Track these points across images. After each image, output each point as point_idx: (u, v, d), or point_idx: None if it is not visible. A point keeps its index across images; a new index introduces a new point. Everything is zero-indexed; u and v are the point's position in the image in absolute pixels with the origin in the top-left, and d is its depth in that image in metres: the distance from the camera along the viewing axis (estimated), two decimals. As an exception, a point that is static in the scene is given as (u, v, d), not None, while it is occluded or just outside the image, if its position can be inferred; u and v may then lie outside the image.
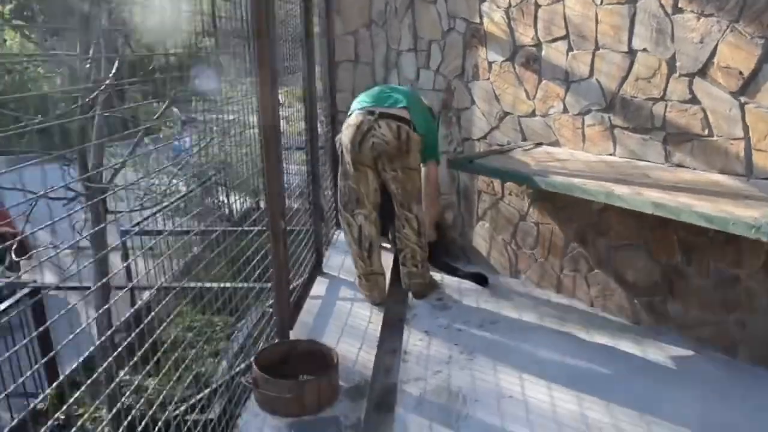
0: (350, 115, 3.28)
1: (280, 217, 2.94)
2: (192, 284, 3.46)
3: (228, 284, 3.45)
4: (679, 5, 2.69)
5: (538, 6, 3.24)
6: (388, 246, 4.28)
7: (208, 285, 3.56)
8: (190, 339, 4.03)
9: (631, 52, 2.89)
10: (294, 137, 4.94)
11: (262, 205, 5.40)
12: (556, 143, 3.35)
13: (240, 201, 6.20)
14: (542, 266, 3.58)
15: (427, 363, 2.93)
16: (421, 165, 3.43)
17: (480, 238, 3.95)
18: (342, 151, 3.31)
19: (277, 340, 3.01)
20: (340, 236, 4.60)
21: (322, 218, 4.00)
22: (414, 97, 3.34)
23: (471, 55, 3.68)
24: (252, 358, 2.64)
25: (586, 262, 3.33)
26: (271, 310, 3.02)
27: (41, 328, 2.18)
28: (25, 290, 3.04)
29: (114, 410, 2.91)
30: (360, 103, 3.28)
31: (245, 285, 3.34)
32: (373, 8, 4.27)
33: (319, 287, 3.74)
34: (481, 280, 3.71)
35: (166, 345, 2.74)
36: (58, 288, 2.86)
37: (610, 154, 3.10)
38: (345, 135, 3.25)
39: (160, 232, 4.05)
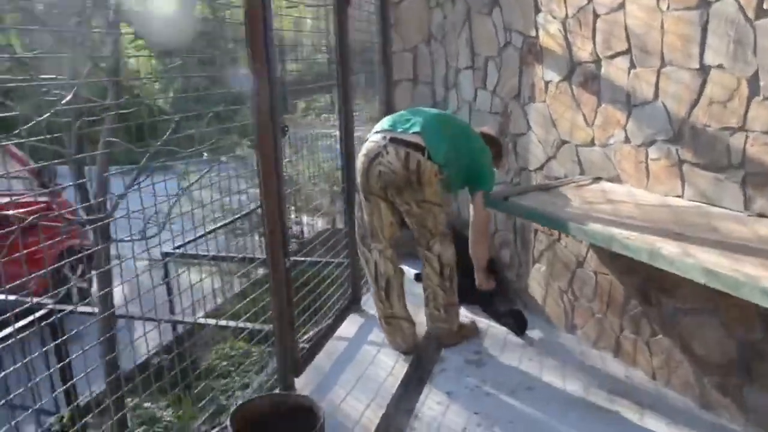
0: (366, 139, 2.93)
1: (283, 255, 2.66)
2: (200, 320, 3.29)
3: (232, 323, 3.25)
4: (765, 6, 2.08)
5: (596, 15, 2.72)
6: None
7: (222, 323, 3.38)
8: (222, 369, 3.89)
9: (703, 69, 2.30)
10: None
11: (339, 225, 5.20)
12: (616, 178, 2.79)
13: (312, 222, 6.07)
14: (600, 323, 3.01)
15: (436, 433, 2.51)
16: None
17: (536, 283, 3.43)
18: (357, 179, 2.98)
19: (277, 390, 2.74)
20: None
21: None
22: (439, 122, 2.89)
23: (527, 74, 3.20)
24: (230, 412, 2.37)
25: (649, 324, 2.72)
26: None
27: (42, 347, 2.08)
28: (40, 312, 2.97)
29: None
30: (377, 127, 2.93)
31: (252, 326, 3.11)
32: (432, 21, 3.91)
33: (350, 326, 3.42)
34: (518, 326, 3.22)
35: (191, 375, 2.57)
36: (71, 312, 2.77)
37: (678, 196, 2.50)
38: (357, 162, 2.93)
39: (198, 256, 3.95)
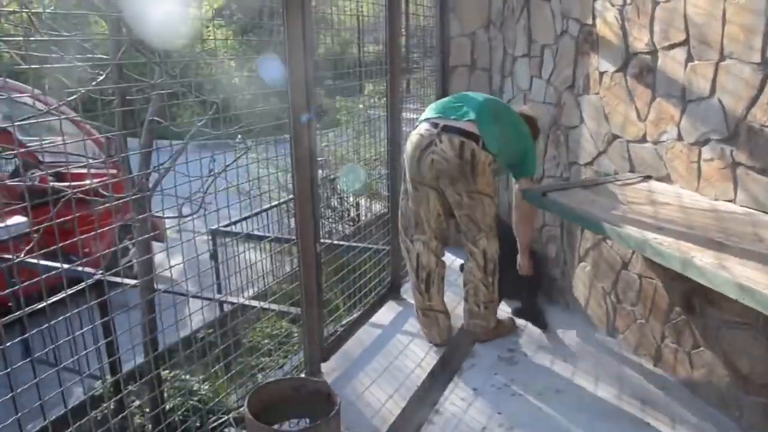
0: (415, 126, 2.86)
1: (313, 239, 2.67)
2: (231, 300, 3.34)
3: (257, 303, 3.28)
4: (836, 0, 1.89)
5: (656, 2, 2.55)
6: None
7: (252, 303, 3.43)
8: (263, 347, 3.96)
9: (766, 64, 2.11)
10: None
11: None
12: (666, 178, 2.62)
13: (367, 204, 6.05)
14: (642, 329, 2.85)
15: (455, 430, 2.46)
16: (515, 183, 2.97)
17: (580, 283, 3.29)
18: (403, 168, 2.92)
19: (302, 373, 2.76)
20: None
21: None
22: (490, 109, 2.78)
23: (582, 64, 3.05)
24: (247, 395, 2.41)
25: (692, 334, 2.56)
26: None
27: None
28: (89, 281, 3.09)
29: (155, 411, 2.89)
30: (426, 114, 2.84)
31: (278, 308, 3.13)
32: (492, 6, 3.79)
33: (387, 313, 3.40)
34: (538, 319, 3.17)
35: (232, 352, 2.66)
36: (117, 284, 2.88)
37: (729, 200, 2.32)
38: (406, 150, 2.86)
39: (246, 235, 4.02)
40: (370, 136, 4.25)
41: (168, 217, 2.74)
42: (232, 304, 3.19)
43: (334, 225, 5.51)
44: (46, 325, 2.05)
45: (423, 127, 2.77)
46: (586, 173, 3.09)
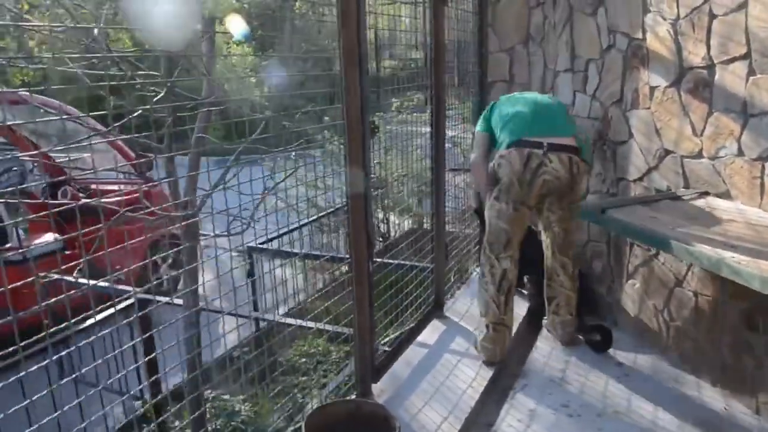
0: (508, 146, 2.79)
1: (367, 257, 2.63)
2: (282, 320, 3.31)
3: (312, 324, 3.24)
4: None
5: (713, 16, 2.52)
6: (524, 293, 3.75)
7: (303, 323, 3.39)
8: (301, 366, 3.92)
9: (836, 79, 2.08)
10: (457, 158, 4.61)
11: (426, 226, 5.15)
12: (725, 194, 2.57)
13: (399, 221, 6.02)
14: (698, 347, 2.79)
15: (513, 452, 2.41)
16: None
17: (629, 299, 3.23)
18: (500, 189, 2.83)
19: (353, 394, 2.72)
20: (476, 275, 4.16)
21: (446, 254, 3.60)
22: (569, 116, 2.97)
23: (631, 78, 3.02)
24: (305, 415, 2.37)
25: (754, 354, 2.50)
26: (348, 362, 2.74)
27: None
28: (128, 301, 3.09)
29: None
30: (517, 132, 2.80)
31: (332, 329, 3.09)
32: (531, 22, 3.78)
33: (431, 333, 3.35)
34: (604, 343, 3.09)
35: (269, 372, 2.62)
36: (156, 302, 2.86)
37: (797, 216, 2.28)
38: (506, 171, 2.77)
39: (288, 254, 3.99)
40: (400, 151, 4.23)
41: (218, 235, 2.73)
42: (286, 324, 3.15)
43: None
44: (84, 341, 2.01)
45: (524, 149, 2.74)
46: (635, 189, 3.05)
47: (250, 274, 3.98)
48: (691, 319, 2.82)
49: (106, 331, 2.16)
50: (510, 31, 3.83)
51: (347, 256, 2.82)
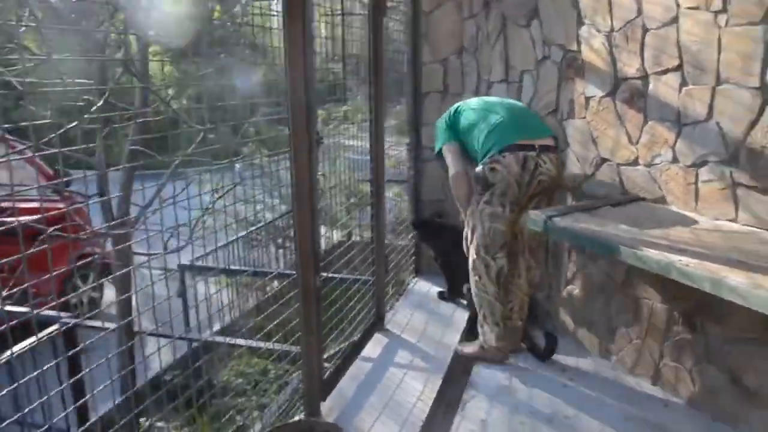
0: (500, 151, 2.79)
1: (314, 272, 2.54)
2: (222, 339, 3.17)
3: (259, 344, 3.12)
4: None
5: (646, 30, 2.62)
6: (464, 302, 3.76)
7: (236, 342, 3.26)
8: (238, 387, 3.75)
9: (765, 88, 2.19)
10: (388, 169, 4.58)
11: (355, 238, 5.07)
12: (661, 200, 2.67)
13: (327, 233, 5.92)
14: (638, 349, 2.88)
15: (469, 463, 2.38)
16: None
17: (568, 306, 3.30)
18: (492, 193, 2.84)
19: (301, 416, 2.62)
20: (415, 286, 4.14)
21: (385, 268, 3.56)
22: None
23: (566, 89, 3.10)
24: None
25: (693, 352, 2.60)
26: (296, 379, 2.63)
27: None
28: (55, 327, 2.85)
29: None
30: (508, 137, 2.82)
31: (281, 348, 2.98)
32: (465, 33, 3.82)
33: (374, 347, 3.29)
34: (548, 350, 3.12)
35: (207, 393, 2.45)
36: (87, 327, 2.65)
37: (730, 220, 2.39)
38: (502, 176, 2.79)
39: (225, 272, 3.83)
40: (328, 162, 4.17)
41: (152, 254, 2.56)
42: (225, 344, 3.00)
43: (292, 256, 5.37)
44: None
45: (520, 152, 2.78)
46: (570, 198, 3.12)
47: (182, 293, 3.79)
48: (630, 321, 2.90)
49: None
50: (444, 41, 3.86)
51: (291, 271, 2.73)
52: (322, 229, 5.89)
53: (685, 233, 2.29)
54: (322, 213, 5.64)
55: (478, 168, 2.86)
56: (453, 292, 3.83)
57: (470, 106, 3.02)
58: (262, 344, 2.86)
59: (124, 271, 2.70)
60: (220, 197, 2.46)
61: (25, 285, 1.84)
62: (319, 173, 3.30)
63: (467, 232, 3.05)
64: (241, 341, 2.92)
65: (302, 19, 2.24)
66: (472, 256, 3.00)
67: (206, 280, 3.77)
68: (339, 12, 3.14)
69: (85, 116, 2.09)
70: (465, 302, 3.74)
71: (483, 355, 3.07)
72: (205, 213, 2.34)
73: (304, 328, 2.52)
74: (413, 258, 4.24)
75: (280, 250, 5.10)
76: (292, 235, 5.34)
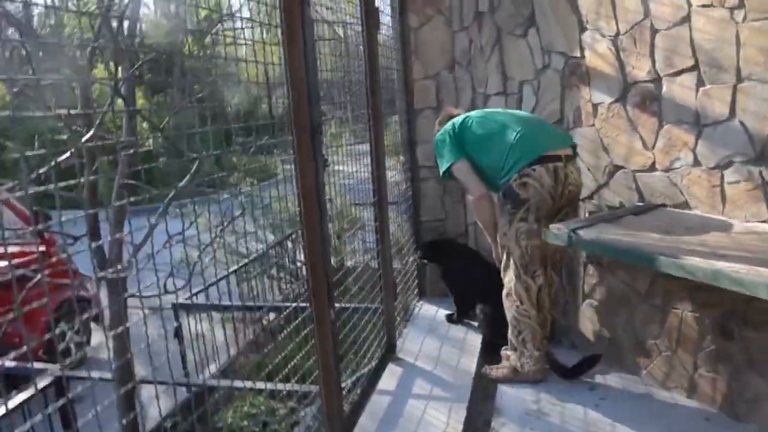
0: (529, 164, 2.65)
1: (328, 304, 2.38)
2: (226, 383, 2.98)
3: (269, 385, 2.93)
4: None
5: (655, 31, 2.54)
6: (475, 324, 3.63)
7: (248, 385, 3.07)
8: (245, 430, 3.54)
9: (791, 84, 2.12)
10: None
11: (348, 264, 4.90)
12: (683, 205, 2.58)
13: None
14: (668, 361, 2.77)
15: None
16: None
17: (587, 320, 3.18)
18: (527, 208, 2.69)
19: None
20: (421, 310, 3.99)
21: (394, 294, 3.41)
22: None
23: (571, 96, 3.01)
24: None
25: (731, 361, 2.49)
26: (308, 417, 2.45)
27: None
28: (48, 380, 2.64)
29: None
30: (534, 150, 2.68)
31: (291, 388, 2.80)
32: (456, 47, 3.72)
33: (389, 379, 3.11)
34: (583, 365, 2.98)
35: None
36: (82, 378, 2.45)
37: (763, 221, 2.30)
38: (535, 190, 2.66)
39: (215, 307, 3.63)
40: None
41: (148, 296, 2.38)
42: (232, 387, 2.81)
43: (289, 285, 5.18)
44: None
45: (549, 164, 2.66)
46: (586, 207, 3.02)
47: (177, 334, 3.58)
48: (658, 333, 2.79)
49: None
50: (434, 57, 3.75)
51: (286, 303, 2.56)
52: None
53: (721, 238, 2.19)
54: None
55: (507, 185, 2.71)
56: (462, 314, 3.69)
57: (475, 120, 2.86)
58: (278, 386, 2.66)
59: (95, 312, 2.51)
60: (223, 228, 2.29)
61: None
62: (327, 197, 3.16)
63: (499, 257, 2.90)
64: (260, 384, 2.73)
65: (302, 39, 2.11)
66: (510, 281, 2.84)
67: (198, 317, 3.58)
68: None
69: (76, 146, 1.91)
70: (476, 324, 3.61)
71: (516, 378, 2.93)
72: (207, 247, 2.15)
73: (322, 367, 2.35)
74: (416, 281, 4.09)
75: (274, 281, 4.91)
76: (285, 264, 5.16)
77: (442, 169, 2.91)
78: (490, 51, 3.45)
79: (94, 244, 2.58)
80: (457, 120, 2.91)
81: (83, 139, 2.01)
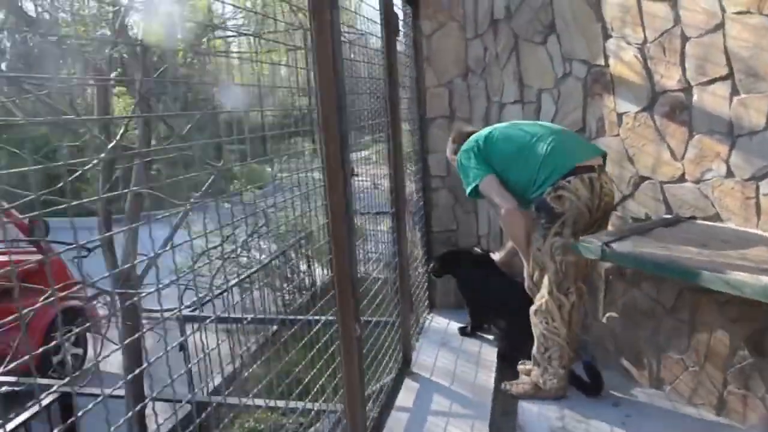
0: (563, 176, 2.58)
1: (354, 320, 2.28)
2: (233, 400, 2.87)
3: (290, 404, 2.82)
4: None
5: (686, 38, 2.48)
6: (490, 337, 3.55)
7: (257, 403, 2.96)
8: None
9: (833, 94, 2.06)
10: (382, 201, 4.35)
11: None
12: (715, 217, 2.52)
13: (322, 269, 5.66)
14: (696, 377, 2.70)
15: None
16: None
17: (608, 335, 3.11)
18: (563, 222, 2.61)
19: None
20: (432, 323, 3.91)
21: (411, 307, 3.32)
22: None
23: (594, 105, 2.94)
24: None
25: (763, 378, 2.42)
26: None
27: None
28: (52, 396, 2.52)
29: None
30: (567, 162, 2.60)
31: (327, 407, 2.69)
32: (469, 54, 3.66)
33: (407, 395, 3.02)
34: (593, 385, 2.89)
35: None
36: (89, 395, 2.33)
37: (801, 234, 2.24)
38: (571, 203, 2.58)
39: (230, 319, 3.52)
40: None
41: (167, 310, 2.27)
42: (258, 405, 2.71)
43: (290, 296, 5.07)
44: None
45: (585, 175, 2.59)
46: (610, 220, 2.95)
47: (183, 347, 3.45)
48: (685, 348, 2.72)
49: None
50: (447, 64, 3.69)
51: (325, 317, 2.46)
52: (317, 268, 5.62)
53: (762, 252, 2.12)
54: (313, 251, 5.37)
55: (541, 199, 2.62)
56: (476, 327, 3.61)
57: (502, 134, 2.77)
58: (299, 404, 2.55)
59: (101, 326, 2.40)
60: (250, 235, 2.20)
61: None
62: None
63: (531, 273, 2.79)
64: (280, 403, 2.62)
65: (331, 43, 2.03)
66: (542, 297, 2.74)
67: (205, 329, 3.46)
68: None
69: (99, 156, 1.81)
70: (491, 337, 3.53)
71: (538, 394, 2.84)
72: (228, 257, 2.05)
73: (347, 385, 2.26)
74: (426, 293, 4.01)
75: (278, 292, 4.81)
76: (289, 275, 5.06)
77: (470, 187, 2.78)
78: (506, 58, 3.38)
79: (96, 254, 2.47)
80: (480, 135, 2.81)
81: (108, 147, 1.90)
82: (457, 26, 3.64)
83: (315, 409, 2.57)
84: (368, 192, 3.52)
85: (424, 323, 3.88)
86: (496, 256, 3.43)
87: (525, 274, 2.82)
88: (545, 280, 2.68)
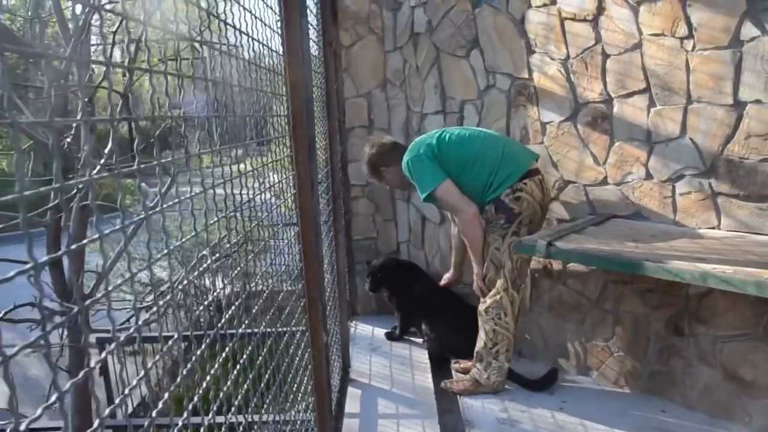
0: (520, 179, 2.78)
1: (323, 329, 2.28)
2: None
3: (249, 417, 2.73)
4: (801, 47, 2.23)
5: (606, 56, 2.76)
6: (418, 341, 3.66)
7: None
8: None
9: (738, 105, 2.40)
10: (282, 211, 4.31)
11: (253, 287, 4.67)
12: (635, 215, 2.81)
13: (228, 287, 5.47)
14: (620, 361, 2.98)
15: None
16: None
17: (535, 328, 3.33)
18: (520, 222, 2.79)
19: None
20: (357, 330, 3.94)
21: (351, 314, 3.34)
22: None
23: (518, 115, 3.16)
24: None
25: (682, 356, 2.74)
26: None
27: None
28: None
29: None
30: (520, 166, 2.81)
31: (299, 419, 2.62)
32: (387, 66, 3.76)
33: (352, 402, 3.05)
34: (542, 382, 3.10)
35: None
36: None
37: (712, 227, 2.57)
38: (528, 203, 2.78)
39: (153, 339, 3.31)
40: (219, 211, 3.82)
41: (121, 327, 2.12)
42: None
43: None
44: None
45: (536, 177, 2.83)
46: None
47: (104, 370, 3.22)
48: (609, 335, 3.00)
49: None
50: (366, 75, 3.76)
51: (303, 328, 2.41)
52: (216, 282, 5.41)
53: (688, 244, 2.41)
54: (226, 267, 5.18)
55: (499, 200, 2.78)
56: (404, 331, 3.71)
57: (453, 139, 2.86)
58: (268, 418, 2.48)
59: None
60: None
61: None
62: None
63: (485, 273, 2.91)
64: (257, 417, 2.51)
65: (301, 50, 2.04)
66: (496, 295, 2.86)
67: (123, 352, 3.25)
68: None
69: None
70: (420, 340, 3.63)
71: (478, 390, 2.98)
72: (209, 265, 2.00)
73: (317, 392, 2.25)
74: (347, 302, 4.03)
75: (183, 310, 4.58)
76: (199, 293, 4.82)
77: (425, 192, 2.82)
78: (428, 70, 3.53)
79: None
80: (431, 141, 2.87)
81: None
82: (375, 38, 3.73)
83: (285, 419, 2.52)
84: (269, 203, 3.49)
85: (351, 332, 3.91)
86: (445, 277, 3.52)
87: (474, 276, 2.95)
88: (501, 278, 2.83)
